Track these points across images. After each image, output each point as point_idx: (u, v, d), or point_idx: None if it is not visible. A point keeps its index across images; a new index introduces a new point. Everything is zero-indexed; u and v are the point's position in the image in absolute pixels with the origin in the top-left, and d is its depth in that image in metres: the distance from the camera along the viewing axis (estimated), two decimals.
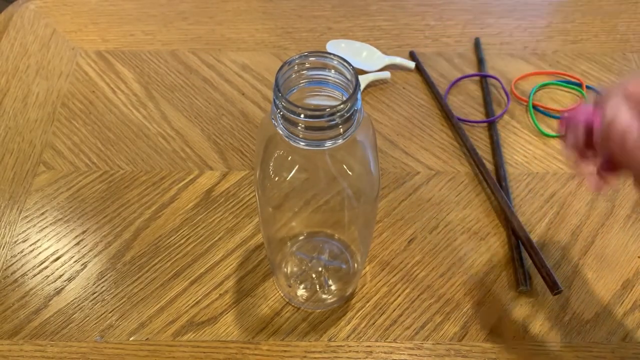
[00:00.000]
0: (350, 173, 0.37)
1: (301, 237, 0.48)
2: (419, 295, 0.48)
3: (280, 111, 0.32)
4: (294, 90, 0.35)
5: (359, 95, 0.33)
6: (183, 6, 0.72)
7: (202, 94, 0.62)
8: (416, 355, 0.44)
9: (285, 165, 0.37)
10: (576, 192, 0.54)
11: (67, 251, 0.50)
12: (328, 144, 0.33)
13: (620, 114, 0.33)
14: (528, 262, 0.49)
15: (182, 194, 0.54)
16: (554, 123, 0.60)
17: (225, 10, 0.71)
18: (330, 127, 0.32)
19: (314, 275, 0.47)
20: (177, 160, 0.56)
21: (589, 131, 0.37)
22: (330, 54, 0.34)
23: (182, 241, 0.50)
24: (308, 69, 0.34)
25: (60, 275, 0.48)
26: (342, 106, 0.32)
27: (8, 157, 0.56)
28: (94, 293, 0.47)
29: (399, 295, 0.47)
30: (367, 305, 0.47)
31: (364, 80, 0.62)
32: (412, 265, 0.49)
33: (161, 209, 0.52)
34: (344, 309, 0.47)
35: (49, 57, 0.66)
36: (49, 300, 0.47)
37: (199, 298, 0.47)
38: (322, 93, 0.35)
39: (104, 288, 0.48)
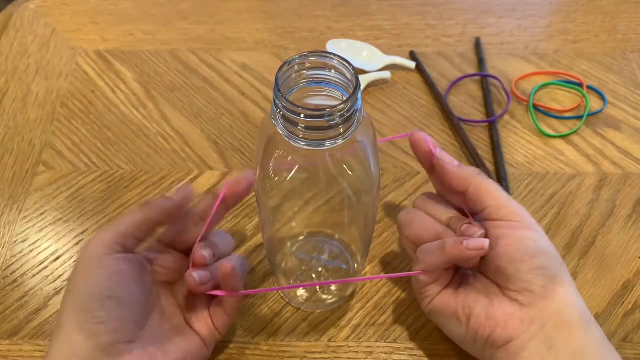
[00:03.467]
0: (350, 173, 0.37)
1: (301, 237, 0.48)
2: None
3: (281, 111, 0.32)
4: (294, 90, 0.35)
5: (359, 95, 0.33)
6: (183, 6, 0.72)
7: (202, 94, 0.62)
8: (416, 355, 0.44)
9: (285, 165, 0.36)
10: (577, 193, 0.54)
11: (66, 251, 0.50)
12: (328, 143, 0.33)
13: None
14: None
15: None
16: (555, 123, 0.60)
17: (225, 10, 0.71)
18: (331, 127, 0.32)
19: (314, 276, 0.47)
20: (177, 160, 0.56)
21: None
22: (330, 53, 0.34)
23: None
24: (308, 68, 0.34)
25: (60, 275, 0.48)
26: (342, 106, 0.32)
27: (8, 157, 0.56)
28: None
29: (400, 296, 0.47)
30: (367, 306, 0.47)
31: (364, 80, 0.62)
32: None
33: None
34: (344, 310, 0.47)
35: (48, 56, 0.66)
36: (49, 300, 0.47)
37: None
38: (322, 93, 0.35)
39: None
